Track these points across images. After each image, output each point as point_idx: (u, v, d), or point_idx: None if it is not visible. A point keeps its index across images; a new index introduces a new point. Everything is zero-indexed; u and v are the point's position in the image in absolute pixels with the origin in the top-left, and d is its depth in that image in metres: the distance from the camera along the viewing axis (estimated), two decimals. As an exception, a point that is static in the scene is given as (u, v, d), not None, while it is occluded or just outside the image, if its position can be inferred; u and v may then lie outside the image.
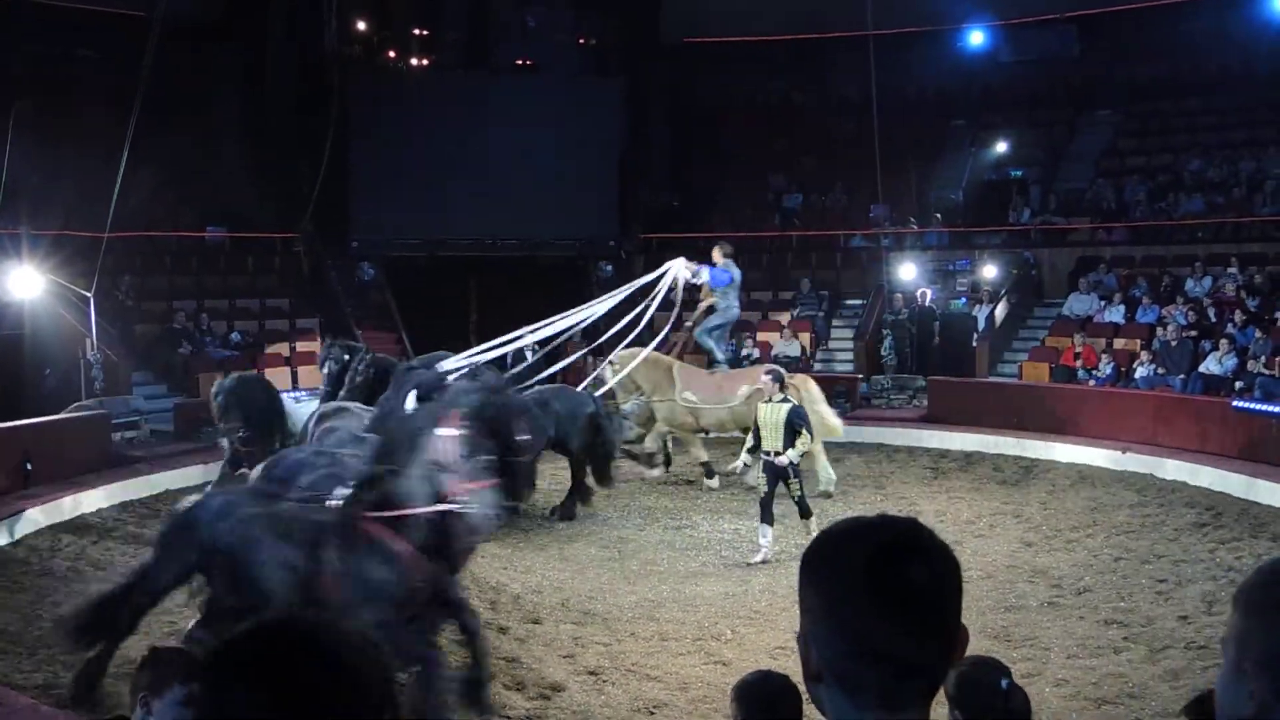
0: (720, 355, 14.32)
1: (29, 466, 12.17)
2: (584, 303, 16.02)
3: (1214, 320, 16.27)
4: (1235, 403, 13.61)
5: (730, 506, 12.33)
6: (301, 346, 18.69)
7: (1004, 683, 2.89)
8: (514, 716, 6.62)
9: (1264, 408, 13.26)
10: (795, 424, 9.89)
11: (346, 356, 11.62)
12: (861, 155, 19.36)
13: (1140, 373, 15.82)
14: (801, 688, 3.18)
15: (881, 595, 1.28)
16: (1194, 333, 16.02)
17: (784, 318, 20.37)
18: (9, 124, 14.93)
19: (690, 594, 9.15)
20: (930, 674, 1.32)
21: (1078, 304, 18.46)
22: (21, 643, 7.76)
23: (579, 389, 12.47)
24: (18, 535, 10.70)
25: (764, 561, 9.91)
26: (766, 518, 10.02)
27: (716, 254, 13.93)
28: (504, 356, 11.17)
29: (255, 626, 1.25)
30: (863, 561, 1.30)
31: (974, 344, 18.41)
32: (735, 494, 12.76)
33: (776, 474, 9.96)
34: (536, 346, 13.38)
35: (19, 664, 7.34)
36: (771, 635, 7.99)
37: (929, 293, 19.89)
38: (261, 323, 19.28)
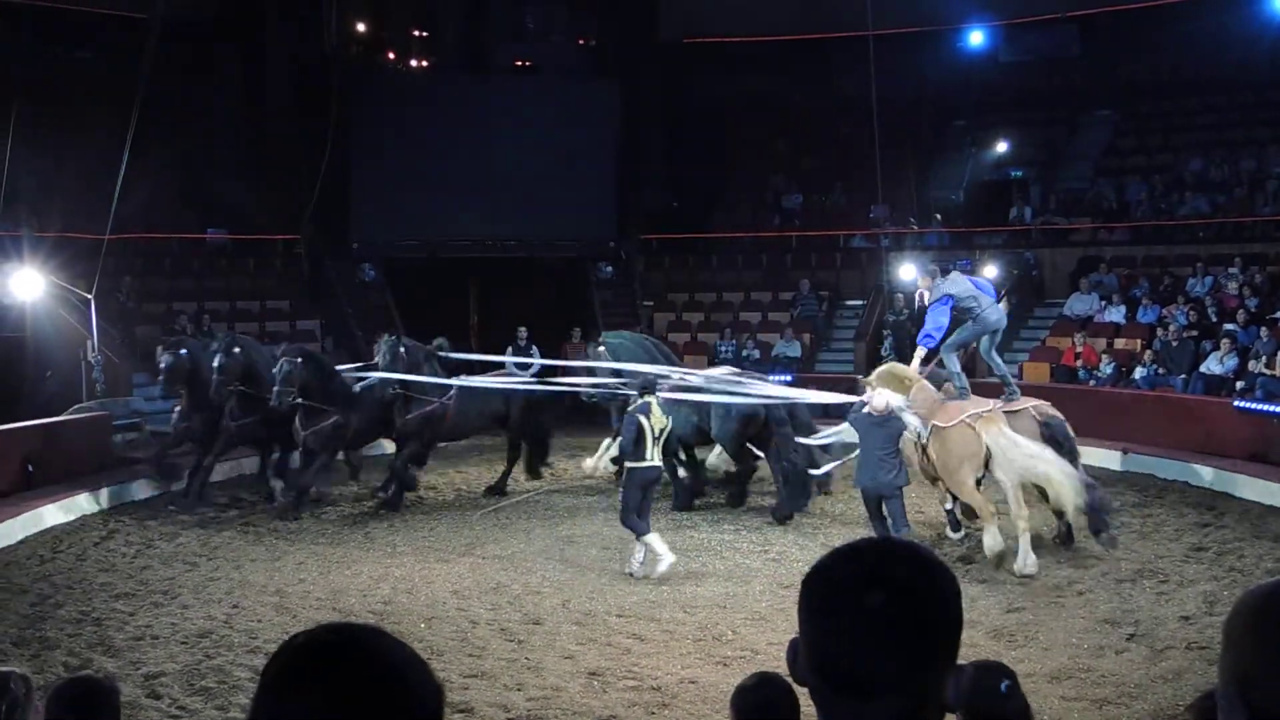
0: (964, 380, 11.03)
1: (30, 468, 12.19)
2: (583, 303, 16.13)
3: (1215, 320, 16.26)
4: (1237, 403, 13.61)
5: (731, 508, 12.35)
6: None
7: (1004, 685, 2.91)
8: (514, 717, 6.63)
9: (1266, 408, 13.25)
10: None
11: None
12: (861, 155, 19.37)
13: (1141, 373, 15.81)
14: (799, 690, 3.20)
15: (838, 616, 1.35)
16: (1195, 333, 16.00)
17: (784, 318, 20.39)
18: (9, 126, 14.94)
19: (691, 594, 9.14)
20: (896, 701, 1.33)
21: (1078, 304, 18.45)
22: (25, 644, 7.77)
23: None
24: (19, 537, 10.72)
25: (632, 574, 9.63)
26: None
27: (923, 280, 11.56)
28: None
29: (310, 637, 1.26)
30: (834, 581, 1.38)
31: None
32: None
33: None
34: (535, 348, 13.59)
35: (22, 666, 7.34)
36: (772, 635, 7.98)
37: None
38: (262, 324, 19.28)
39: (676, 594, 9.15)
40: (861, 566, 1.38)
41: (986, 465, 9.89)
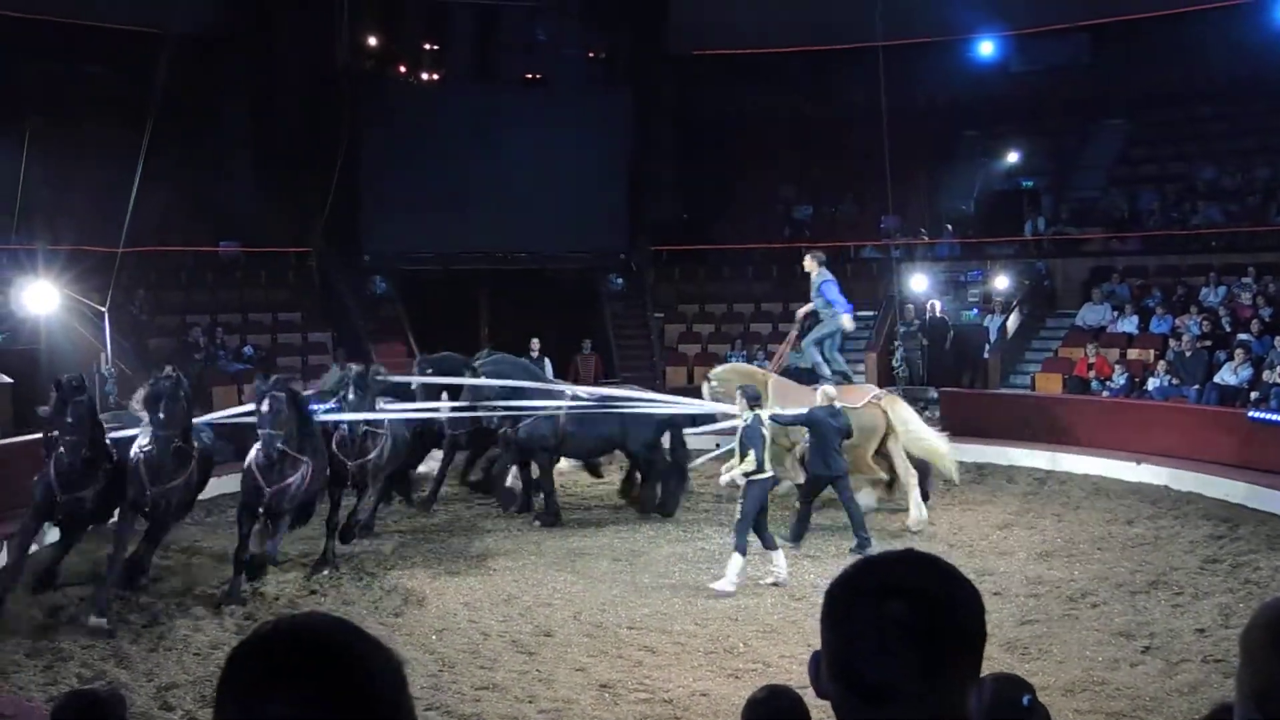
0: (827, 370, 13.08)
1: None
2: (594, 315, 16.06)
3: (1229, 330, 16.17)
4: (1251, 413, 13.52)
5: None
6: (313, 359, 18.78)
7: (1026, 699, 2.88)
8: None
9: (1280, 418, 13.17)
10: (744, 443, 9.62)
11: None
12: (872, 166, 19.36)
13: (1154, 383, 15.73)
14: (809, 701, 3.19)
15: (860, 623, 1.37)
16: (1208, 343, 15.92)
17: (794, 330, 20.35)
18: (23, 140, 15.06)
19: (703, 606, 9.12)
20: (915, 709, 1.35)
21: (1091, 314, 18.38)
22: (39, 656, 7.79)
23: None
24: (31, 548, 10.73)
25: (776, 583, 9.60)
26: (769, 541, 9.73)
27: (812, 264, 13.27)
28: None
29: (275, 629, 1.26)
30: (857, 589, 1.40)
31: (986, 355, 18.35)
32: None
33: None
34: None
35: (35, 676, 7.37)
36: (784, 648, 7.96)
37: (939, 304, 19.84)
38: (274, 336, 19.37)
39: (688, 606, 9.13)
40: (885, 575, 1.41)
41: (884, 440, 11.87)
